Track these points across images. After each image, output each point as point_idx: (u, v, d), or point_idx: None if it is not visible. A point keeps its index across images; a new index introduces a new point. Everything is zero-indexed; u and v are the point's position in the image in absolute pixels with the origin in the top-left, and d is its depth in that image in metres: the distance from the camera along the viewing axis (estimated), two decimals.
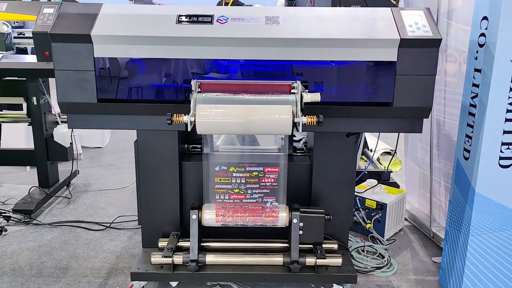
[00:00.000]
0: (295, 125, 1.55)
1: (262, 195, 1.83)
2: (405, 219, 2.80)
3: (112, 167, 4.00)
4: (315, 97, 1.59)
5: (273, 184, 1.82)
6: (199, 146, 2.18)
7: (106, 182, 3.56)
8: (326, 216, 1.89)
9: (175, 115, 1.58)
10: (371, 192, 2.64)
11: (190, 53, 1.61)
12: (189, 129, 1.59)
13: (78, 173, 3.52)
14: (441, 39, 1.58)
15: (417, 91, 1.64)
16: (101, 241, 2.53)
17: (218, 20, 1.63)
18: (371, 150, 3.67)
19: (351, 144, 1.94)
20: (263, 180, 1.81)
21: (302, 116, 1.58)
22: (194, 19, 1.63)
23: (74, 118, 1.74)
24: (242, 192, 1.82)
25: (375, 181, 2.74)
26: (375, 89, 1.67)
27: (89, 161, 4.14)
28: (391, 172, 3.17)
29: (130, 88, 1.67)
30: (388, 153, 3.73)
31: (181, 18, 1.63)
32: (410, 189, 2.93)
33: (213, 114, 1.57)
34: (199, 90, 1.78)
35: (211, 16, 1.64)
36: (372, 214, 2.54)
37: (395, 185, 3.12)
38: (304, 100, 1.59)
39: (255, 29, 1.61)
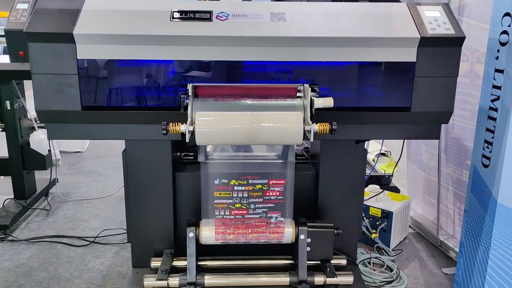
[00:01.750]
0: (305, 133, 1.42)
1: (267, 209, 1.69)
2: (409, 226, 2.70)
3: (94, 173, 3.80)
4: (328, 102, 1.45)
5: (278, 198, 1.68)
6: (191, 153, 2.02)
7: (88, 191, 3.37)
8: (335, 231, 1.76)
9: (171, 124, 1.42)
10: (374, 199, 2.53)
11: (186, 54, 1.45)
12: (187, 140, 1.43)
13: (57, 182, 3.32)
14: (464, 37, 1.46)
15: (437, 95, 1.52)
16: (85, 258, 2.35)
17: (218, 17, 1.47)
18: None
19: (360, 151, 1.81)
20: (267, 194, 1.67)
21: (313, 123, 1.44)
22: (191, 15, 1.47)
23: (54, 127, 1.56)
24: (245, 207, 1.67)
25: (377, 187, 2.63)
26: (391, 93, 1.55)
27: (68, 168, 3.93)
28: (392, 176, 3.07)
29: (119, 93, 1.50)
30: (383, 154, 3.64)
31: (175, 15, 1.47)
32: (414, 194, 2.83)
33: (214, 123, 1.41)
34: (196, 94, 1.63)
35: (210, 12, 1.48)
36: (377, 223, 2.42)
37: (396, 189, 3.01)
38: (315, 106, 1.45)
39: (259, 26, 1.46)
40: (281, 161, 1.68)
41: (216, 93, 1.63)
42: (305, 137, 1.45)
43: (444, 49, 1.48)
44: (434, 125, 1.62)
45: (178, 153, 2.00)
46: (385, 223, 2.40)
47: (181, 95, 1.56)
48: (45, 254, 2.38)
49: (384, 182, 3.02)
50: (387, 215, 2.39)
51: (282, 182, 1.66)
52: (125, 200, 1.82)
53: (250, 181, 1.65)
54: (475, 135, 1.80)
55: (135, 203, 1.80)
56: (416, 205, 2.80)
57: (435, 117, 1.57)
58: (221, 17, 1.48)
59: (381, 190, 2.60)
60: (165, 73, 1.50)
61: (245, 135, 1.41)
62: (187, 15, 1.47)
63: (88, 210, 2.99)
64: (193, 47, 1.44)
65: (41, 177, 3.18)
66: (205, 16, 1.47)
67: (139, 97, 1.52)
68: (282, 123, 1.42)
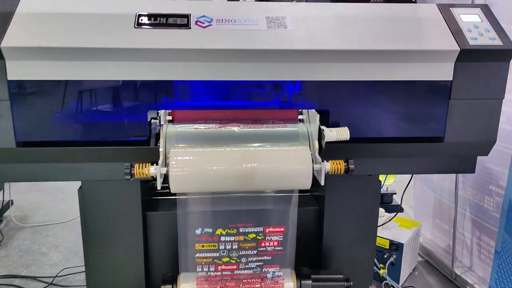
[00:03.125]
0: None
1: (262, 263, 1.37)
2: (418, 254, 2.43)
3: (56, 191, 3.41)
4: (342, 133, 1.15)
5: (276, 249, 1.37)
6: (167, 184, 1.70)
7: (49, 214, 3.00)
8: (346, 283, 1.47)
9: (137, 166, 1.09)
10: (380, 227, 2.24)
11: (155, 73, 1.12)
12: (159, 187, 1.11)
13: (12, 204, 2.93)
14: None
15: (477, 121, 1.23)
16: None
17: (198, 23, 1.15)
18: None
19: (373, 183, 1.51)
20: (263, 244, 1.35)
21: (324, 161, 1.14)
22: (162, 20, 1.14)
23: None
24: (234, 261, 1.36)
25: (382, 210, 2.34)
26: (419, 120, 1.25)
27: (27, 185, 3.53)
28: (395, 193, 2.79)
29: (66, 124, 1.16)
30: None
31: (142, 19, 1.13)
32: (422, 217, 2.56)
33: (195, 164, 1.09)
34: (170, 119, 1.31)
35: (187, 16, 1.15)
36: (385, 256, 2.14)
37: (398, 208, 2.74)
38: (327, 139, 1.15)
39: (253, 36, 1.14)
40: (280, 206, 1.37)
41: (196, 117, 1.31)
42: (318, 181, 1.15)
43: (488, 64, 1.19)
44: (469, 157, 1.33)
45: (151, 183, 1.67)
46: (395, 256, 2.12)
47: (152, 119, 1.24)
48: None
49: (386, 200, 2.74)
50: (396, 247, 2.11)
51: (282, 229, 1.35)
52: (83, 248, 1.49)
53: (241, 230, 1.33)
54: None
55: (95, 253, 1.46)
56: (424, 229, 2.54)
57: (473, 148, 1.28)
58: (202, 22, 1.15)
59: (387, 214, 2.31)
60: (129, 95, 1.16)
61: (237, 180, 1.09)
62: (157, 20, 1.14)
63: (47, 240, 2.63)
64: (164, 64, 1.11)
65: None
66: (181, 21, 1.14)
67: (94, 127, 1.18)
68: (285, 163, 1.11)
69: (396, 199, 2.86)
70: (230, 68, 1.14)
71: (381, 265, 2.14)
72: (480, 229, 2.08)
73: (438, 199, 2.37)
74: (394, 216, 2.20)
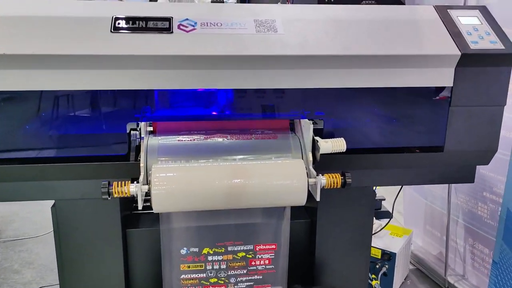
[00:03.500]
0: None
1: (252, 283, 1.29)
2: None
3: (31, 201, 3.26)
4: (338, 145, 1.07)
5: (267, 267, 1.29)
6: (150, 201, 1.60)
7: (22, 226, 2.85)
8: None
9: (115, 184, 1.00)
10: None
11: (134, 82, 1.03)
12: (140, 207, 1.02)
13: None
14: None
15: (478, 129, 1.18)
16: None
17: (181, 26, 1.06)
18: None
19: (367, 194, 1.44)
20: (253, 263, 1.27)
21: (320, 175, 1.06)
22: (141, 24, 1.05)
23: None
24: (222, 282, 1.27)
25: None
26: (418, 128, 1.19)
27: None
28: (383, 199, 2.74)
29: (35, 139, 1.06)
30: None
31: (118, 23, 1.04)
32: (412, 224, 2.52)
33: (180, 181, 1.00)
34: (152, 131, 1.22)
35: (169, 20, 1.06)
36: (377, 267, 2.08)
37: (387, 214, 2.69)
38: (322, 151, 1.07)
39: (241, 41, 1.06)
40: (272, 221, 1.28)
41: (180, 128, 1.23)
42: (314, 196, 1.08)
43: (489, 69, 1.13)
44: (468, 166, 1.28)
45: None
46: (387, 266, 2.06)
47: (131, 130, 1.15)
48: None
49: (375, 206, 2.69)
50: (389, 257, 2.06)
51: (273, 247, 1.27)
52: (58, 270, 1.38)
53: (229, 248, 1.25)
54: (510, 170, 1.48)
55: (71, 274, 1.35)
56: (415, 236, 2.49)
57: (473, 157, 1.22)
58: (186, 26, 1.06)
59: (378, 222, 2.25)
60: (105, 105, 1.07)
61: (225, 198, 1.01)
62: (135, 24, 1.05)
63: (20, 256, 2.49)
64: (144, 72, 1.02)
65: None
66: (162, 25, 1.06)
67: (67, 141, 1.08)
68: (277, 179, 1.03)
69: (385, 205, 2.81)
70: (216, 76, 1.06)
71: (373, 276, 2.08)
72: (474, 236, 2.03)
73: (430, 205, 2.33)
74: (386, 225, 2.15)
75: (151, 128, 1.22)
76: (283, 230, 1.25)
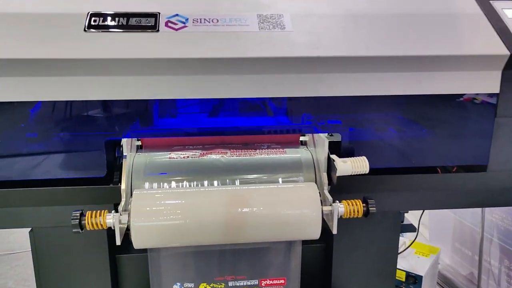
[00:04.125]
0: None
1: None
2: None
3: None
4: (360, 165, 0.90)
5: None
6: None
7: (20, 239, 2.72)
8: None
9: (88, 214, 0.84)
10: None
11: (111, 91, 0.87)
12: (118, 242, 0.86)
13: None
14: None
15: None
16: None
17: (169, 24, 0.89)
18: None
19: (393, 216, 1.26)
20: None
21: (336, 202, 0.89)
22: (121, 21, 0.89)
23: None
24: None
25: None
26: (455, 144, 1.00)
27: None
28: (407, 211, 2.54)
29: None
30: None
31: (94, 20, 0.88)
32: (438, 239, 2.32)
33: (166, 211, 0.84)
34: (140, 145, 1.06)
35: (155, 16, 0.90)
36: None
37: (411, 228, 2.49)
38: (339, 172, 0.89)
39: (241, 40, 0.89)
40: (280, 251, 1.11)
41: (172, 142, 1.07)
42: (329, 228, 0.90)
43: None
44: None
45: None
46: None
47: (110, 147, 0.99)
48: None
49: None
50: (414, 280, 1.87)
51: (282, 282, 1.10)
52: None
53: (230, 284, 1.08)
54: None
55: None
56: (443, 253, 2.29)
57: None
58: (175, 23, 0.90)
59: (401, 238, 2.06)
60: (78, 119, 0.91)
61: (222, 232, 0.84)
62: (114, 21, 0.88)
63: (15, 271, 2.37)
64: (124, 79, 0.86)
65: None
66: (146, 22, 0.89)
67: (36, 163, 0.93)
68: (285, 208, 0.85)
69: (408, 218, 2.61)
70: (211, 83, 0.89)
71: None
72: (510, 257, 1.83)
73: (459, 221, 2.13)
74: (412, 243, 1.95)
75: (139, 143, 1.07)
76: (293, 261, 1.07)
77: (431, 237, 2.39)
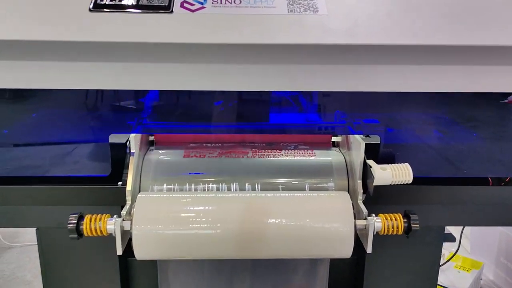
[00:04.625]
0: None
1: None
2: None
3: None
4: (401, 174, 0.77)
5: None
6: None
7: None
8: None
9: (87, 218, 0.75)
10: None
11: (117, 79, 0.77)
12: (119, 251, 0.77)
13: None
14: None
15: None
16: None
17: (185, 4, 0.79)
18: None
19: (434, 229, 1.13)
20: None
21: (372, 216, 0.77)
22: (131, 0, 0.79)
23: None
24: None
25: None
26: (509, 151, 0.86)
27: None
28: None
29: None
30: None
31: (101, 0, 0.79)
32: (480, 252, 2.14)
33: (173, 219, 0.74)
34: (152, 141, 0.97)
35: None
36: None
37: (450, 237, 2.32)
38: (377, 182, 0.77)
39: (267, 24, 0.77)
40: (305, 269, 0.99)
41: (188, 138, 0.97)
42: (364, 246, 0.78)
43: None
44: None
45: None
46: None
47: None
48: None
49: None
50: None
51: None
52: None
53: None
54: None
55: None
56: (486, 268, 2.12)
57: None
58: (191, 4, 0.79)
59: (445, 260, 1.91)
60: (79, 110, 0.82)
61: (238, 245, 0.73)
62: (123, 0, 0.79)
63: (35, 264, 2.33)
64: (132, 66, 0.76)
65: None
66: (159, 2, 0.79)
67: (34, 157, 0.85)
68: (311, 220, 0.74)
69: (447, 227, 2.44)
70: (231, 72, 0.78)
71: None
72: None
73: (505, 233, 1.96)
74: (452, 256, 1.80)
75: (151, 138, 0.97)
76: (318, 282, 0.96)
77: (472, 250, 2.22)
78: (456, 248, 1.81)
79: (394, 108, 0.83)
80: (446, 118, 0.86)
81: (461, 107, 0.87)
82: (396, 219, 0.77)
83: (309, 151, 0.93)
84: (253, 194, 0.78)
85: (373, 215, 0.77)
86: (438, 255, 1.15)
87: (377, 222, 0.76)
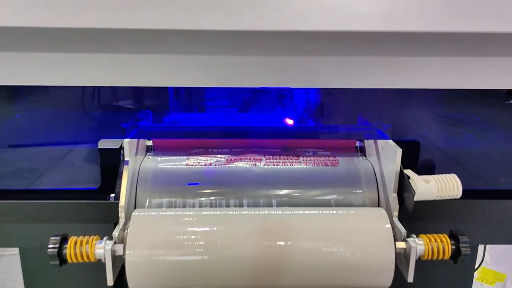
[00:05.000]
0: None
1: None
2: None
3: None
4: (448, 187, 0.65)
5: None
6: None
7: None
8: None
9: (71, 241, 0.63)
10: None
11: (115, 76, 0.65)
12: (109, 282, 0.64)
13: None
14: None
15: None
16: None
17: None
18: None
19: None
20: None
21: (413, 237, 0.65)
22: None
23: None
24: None
25: None
26: None
27: None
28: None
29: None
30: None
31: None
32: (501, 263, 2.01)
33: (173, 244, 0.61)
34: (150, 146, 0.85)
35: None
36: None
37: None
38: (419, 196, 0.65)
39: (283, 7, 0.65)
40: None
41: (190, 143, 0.85)
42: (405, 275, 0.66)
43: None
44: None
45: None
46: None
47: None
48: None
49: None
50: None
51: None
52: None
53: None
54: None
55: None
56: (510, 281, 1.99)
57: None
58: None
59: None
60: (67, 111, 0.70)
61: (251, 272, 0.61)
62: None
63: None
64: (124, 57, 0.64)
65: None
66: None
67: (15, 168, 0.73)
68: (342, 243, 0.61)
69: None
70: (239, 66, 0.66)
71: None
72: None
73: None
74: (476, 269, 1.67)
75: (149, 143, 0.85)
76: None
77: (491, 260, 2.09)
78: (479, 262, 1.68)
79: (438, 110, 0.71)
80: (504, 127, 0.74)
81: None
82: (441, 241, 0.64)
83: (331, 158, 0.81)
84: (270, 212, 0.66)
85: (414, 235, 0.65)
86: (471, 275, 1.03)
87: (420, 245, 0.64)
